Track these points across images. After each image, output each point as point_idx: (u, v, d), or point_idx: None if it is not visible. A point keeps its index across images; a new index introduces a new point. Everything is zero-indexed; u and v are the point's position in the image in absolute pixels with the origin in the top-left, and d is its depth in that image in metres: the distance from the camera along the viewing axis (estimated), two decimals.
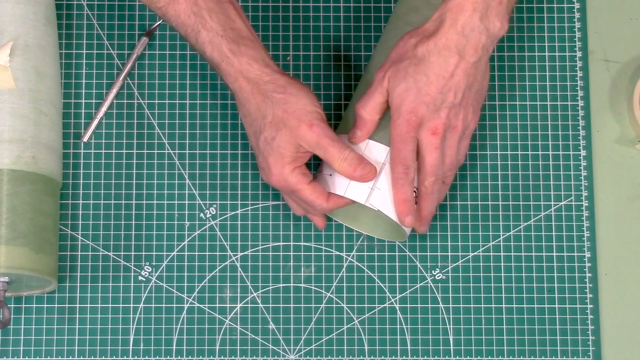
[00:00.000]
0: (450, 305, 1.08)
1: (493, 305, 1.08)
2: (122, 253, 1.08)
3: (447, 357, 1.07)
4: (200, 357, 1.07)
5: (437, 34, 0.94)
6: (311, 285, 1.08)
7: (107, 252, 1.08)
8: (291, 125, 0.96)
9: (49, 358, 1.06)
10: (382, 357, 1.07)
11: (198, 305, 1.08)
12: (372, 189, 0.98)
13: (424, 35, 0.95)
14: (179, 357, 1.07)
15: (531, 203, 1.10)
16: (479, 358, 1.07)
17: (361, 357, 1.07)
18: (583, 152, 1.11)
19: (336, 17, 1.13)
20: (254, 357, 1.07)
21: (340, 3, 1.13)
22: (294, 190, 0.98)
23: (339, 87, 1.12)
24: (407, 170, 0.97)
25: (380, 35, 1.10)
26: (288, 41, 1.13)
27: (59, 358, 1.06)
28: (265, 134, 0.97)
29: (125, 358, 1.07)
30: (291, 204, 1.04)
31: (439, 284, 1.08)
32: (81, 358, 1.07)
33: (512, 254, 1.09)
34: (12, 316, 1.06)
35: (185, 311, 1.08)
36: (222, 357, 1.07)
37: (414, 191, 0.98)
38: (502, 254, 1.09)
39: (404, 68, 0.95)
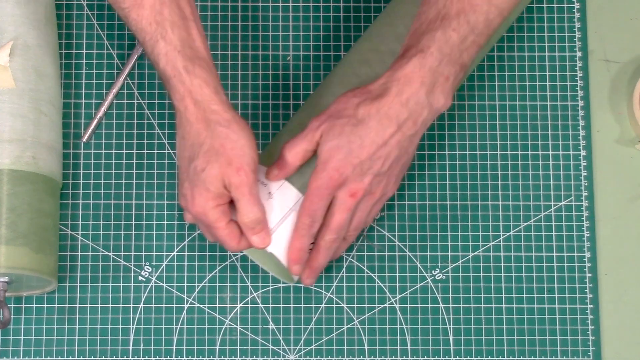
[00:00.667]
0: (450, 305, 1.08)
1: (493, 305, 1.08)
2: (122, 253, 1.08)
3: (447, 357, 1.07)
4: (200, 357, 1.07)
5: (380, 100, 0.93)
6: (311, 285, 1.08)
7: (107, 252, 1.08)
8: (222, 162, 0.94)
9: (49, 358, 1.06)
10: (382, 357, 1.07)
11: (198, 305, 1.08)
12: (273, 230, 0.97)
13: (367, 97, 0.94)
14: (179, 357, 1.07)
15: (531, 203, 1.10)
16: (479, 358, 1.07)
17: (361, 357, 1.07)
18: (583, 152, 1.11)
19: (336, 17, 1.13)
20: (254, 357, 1.07)
21: (340, 3, 1.13)
22: (211, 226, 0.96)
23: None
24: (312, 223, 0.96)
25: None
26: (288, 41, 1.13)
27: (59, 358, 1.06)
28: (197, 163, 0.95)
29: (125, 358, 1.07)
30: (201, 228, 1.01)
31: (439, 284, 1.08)
32: (81, 358, 1.07)
33: (512, 254, 1.09)
34: (12, 316, 1.06)
35: (185, 311, 1.07)
36: (222, 357, 1.07)
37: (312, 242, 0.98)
38: (502, 254, 1.09)
39: (341, 125, 0.94)
